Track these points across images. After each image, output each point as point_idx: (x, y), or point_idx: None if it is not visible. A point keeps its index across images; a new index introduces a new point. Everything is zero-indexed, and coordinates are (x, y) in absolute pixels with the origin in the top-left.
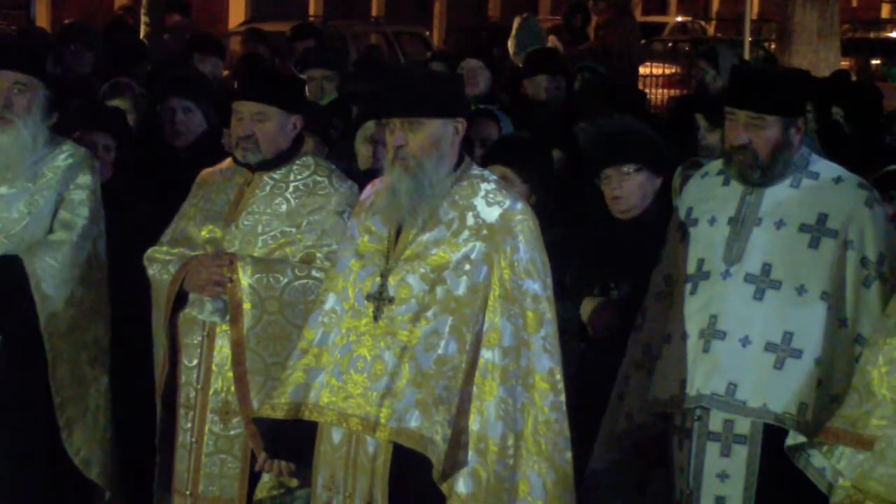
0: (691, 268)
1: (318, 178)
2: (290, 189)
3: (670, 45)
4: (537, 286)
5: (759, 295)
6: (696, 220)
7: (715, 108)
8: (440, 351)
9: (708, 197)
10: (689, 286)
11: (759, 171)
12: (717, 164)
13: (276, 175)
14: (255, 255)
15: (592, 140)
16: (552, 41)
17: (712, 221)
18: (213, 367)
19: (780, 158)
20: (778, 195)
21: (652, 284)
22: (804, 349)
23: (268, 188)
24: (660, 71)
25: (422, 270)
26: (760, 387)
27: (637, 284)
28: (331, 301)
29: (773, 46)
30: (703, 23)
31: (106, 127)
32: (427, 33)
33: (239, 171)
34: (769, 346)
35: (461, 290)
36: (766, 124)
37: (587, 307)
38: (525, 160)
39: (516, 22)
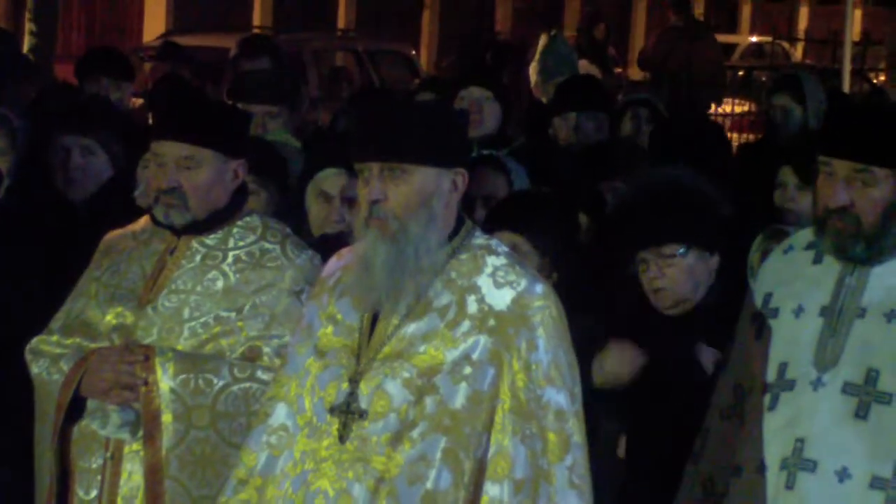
0: (771, 375)
1: (268, 246)
2: (230, 259)
3: (741, 73)
4: (562, 398)
5: (862, 412)
6: (777, 309)
7: (807, 160)
8: (429, 484)
9: (793, 279)
10: (767, 399)
11: (862, 243)
12: (805, 235)
13: (210, 241)
14: (180, 348)
15: (620, 212)
16: (584, 66)
17: (798, 312)
18: (119, 502)
19: (893, 228)
20: (889, 277)
21: (715, 397)
22: None
23: (198, 258)
24: (727, 108)
25: (405, 375)
26: None
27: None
28: (280, 414)
29: (881, 77)
30: (786, 44)
31: None
32: (412, 52)
33: (158, 235)
34: (876, 482)
35: (459, 402)
36: (876, 180)
37: (624, 442)
38: (542, 225)
39: (542, 42)
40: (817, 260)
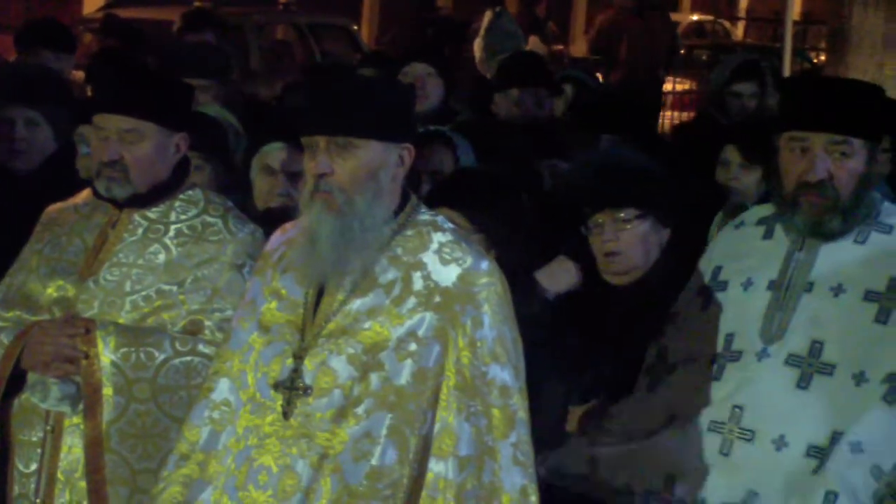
0: (717, 345)
1: (209, 220)
2: (171, 233)
3: (682, 51)
4: (507, 374)
5: (804, 383)
6: (726, 282)
7: (754, 139)
8: (374, 461)
9: (743, 253)
10: (715, 369)
11: (839, 217)
12: (757, 212)
13: (152, 214)
14: (122, 321)
15: (579, 175)
16: (534, 42)
17: (747, 285)
18: (59, 475)
19: (865, 200)
20: (837, 253)
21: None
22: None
23: (140, 231)
24: (668, 87)
25: (350, 351)
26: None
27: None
28: (223, 389)
29: (822, 57)
30: (727, 23)
31: None
32: (354, 27)
33: (100, 208)
34: (812, 450)
35: (404, 379)
36: (853, 151)
37: (573, 417)
38: (481, 202)
39: (486, 18)
40: (767, 235)
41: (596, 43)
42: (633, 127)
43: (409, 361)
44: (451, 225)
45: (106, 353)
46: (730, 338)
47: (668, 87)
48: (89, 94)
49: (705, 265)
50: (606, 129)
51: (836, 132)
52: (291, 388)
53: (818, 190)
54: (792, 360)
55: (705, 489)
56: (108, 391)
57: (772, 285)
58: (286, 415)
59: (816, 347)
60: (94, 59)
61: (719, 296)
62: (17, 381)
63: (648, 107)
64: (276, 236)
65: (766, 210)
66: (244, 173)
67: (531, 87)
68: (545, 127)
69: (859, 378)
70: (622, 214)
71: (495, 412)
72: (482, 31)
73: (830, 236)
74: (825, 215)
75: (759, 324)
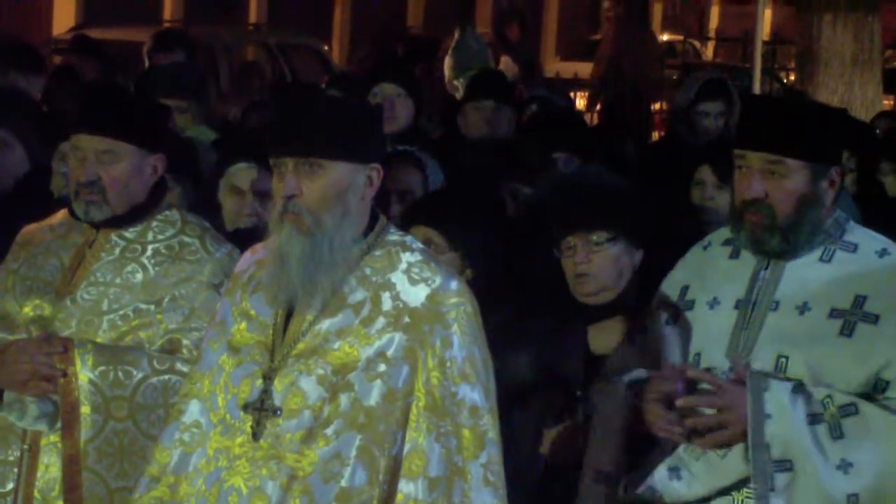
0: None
1: (187, 239)
2: (149, 252)
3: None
4: (477, 394)
5: None
6: (693, 301)
7: (726, 159)
8: (344, 482)
9: (709, 273)
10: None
11: (777, 236)
12: (724, 233)
13: (130, 234)
14: (99, 340)
15: (550, 197)
16: (506, 63)
17: (713, 304)
18: (36, 494)
19: (807, 219)
20: (802, 271)
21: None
22: None
23: (117, 251)
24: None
25: (320, 371)
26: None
27: None
28: (193, 410)
29: (791, 77)
30: (697, 43)
31: None
32: (324, 46)
33: (77, 228)
34: (779, 465)
35: (373, 399)
36: (789, 171)
37: (548, 438)
38: (457, 221)
39: (454, 37)
40: (734, 255)
41: (602, 73)
42: (588, 145)
43: (378, 382)
44: (420, 245)
45: (84, 372)
46: (697, 357)
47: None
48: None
49: (671, 285)
50: (559, 146)
51: (769, 151)
52: (261, 409)
53: (754, 208)
54: None
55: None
56: (85, 409)
57: (738, 304)
58: (256, 436)
59: (782, 362)
60: (50, 80)
61: (687, 315)
62: None
63: (637, 126)
64: (246, 257)
65: (730, 230)
66: (212, 193)
67: (498, 102)
68: (507, 146)
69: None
70: (594, 237)
71: (465, 432)
72: (449, 51)
73: (774, 254)
74: (763, 234)
75: (725, 342)
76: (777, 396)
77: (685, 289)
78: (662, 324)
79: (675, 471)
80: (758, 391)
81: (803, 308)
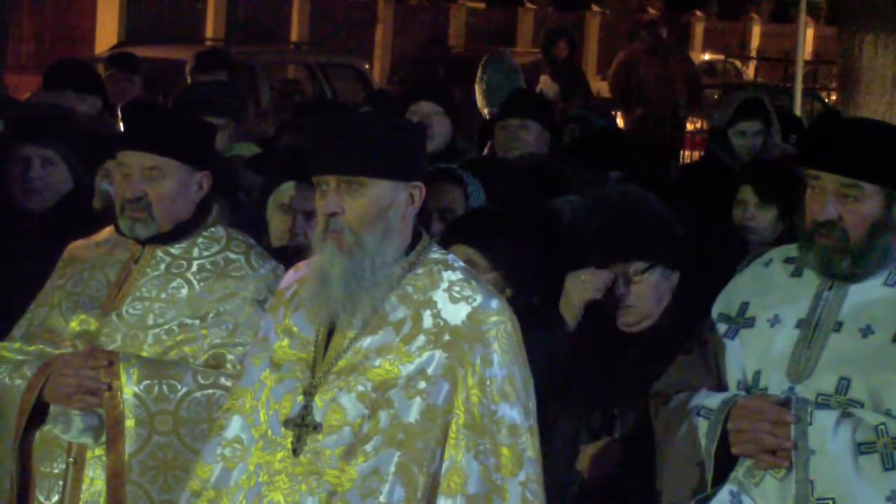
0: (745, 382)
1: (232, 256)
2: (194, 268)
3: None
4: (516, 413)
5: None
6: (753, 318)
7: (767, 178)
8: (382, 499)
9: (771, 290)
10: None
11: (848, 259)
12: (785, 250)
13: (175, 250)
14: (144, 354)
15: (583, 227)
16: (545, 82)
17: (774, 322)
18: None
19: (878, 244)
20: (867, 294)
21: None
22: None
23: (163, 266)
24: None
25: (360, 388)
26: None
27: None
28: (235, 426)
29: (832, 97)
30: (738, 63)
31: None
32: (365, 65)
33: (123, 244)
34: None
35: (413, 417)
36: (864, 195)
37: (585, 455)
38: (497, 240)
39: (485, 60)
40: (796, 273)
41: (615, 82)
42: (631, 165)
43: (418, 399)
44: (461, 264)
45: (128, 386)
46: (756, 375)
47: (689, 126)
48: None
49: (730, 299)
50: (606, 166)
51: (846, 175)
52: (301, 424)
53: (826, 230)
54: (820, 399)
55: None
56: (130, 423)
57: (800, 324)
58: (296, 452)
59: (843, 384)
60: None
61: (744, 333)
62: (38, 414)
63: (666, 147)
64: (289, 275)
65: (793, 250)
66: (259, 211)
67: (531, 120)
68: (549, 165)
69: (887, 415)
70: (630, 269)
71: (504, 451)
72: (479, 75)
73: (843, 277)
74: (834, 256)
75: (785, 362)
76: (821, 432)
77: (745, 304)
78: (721, 338)
79: (735, 495)
80: (802, 426)
81: (866, 331)
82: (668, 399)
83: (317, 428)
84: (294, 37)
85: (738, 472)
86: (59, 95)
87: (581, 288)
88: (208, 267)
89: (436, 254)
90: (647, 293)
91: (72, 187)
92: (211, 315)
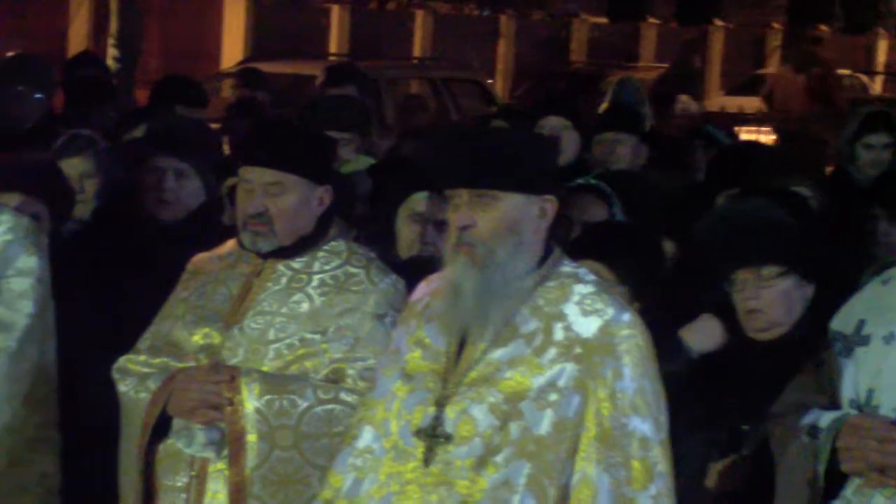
0: (858, 400)
1: (352, 270)
2: (315, 283)
3: None
4: (647, 427)
5: None
6: (869, 336)
7: None
8: None
9: (887, 308)
10: None
11: None
12: None
13: (296, 264)
14: (265, 369)
15: (717, 230)
16: (685, 101)
17: (889, 340)
18: None
19: None
20: None
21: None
22: None
23: (284, 281)
24: None
25: (491, 399)
26: None
27: None
28: (366, 437)
29: None
30: (865, 78)
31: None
32: (489, 81)
33: (244, 258)
34: None
35: (544, 428)
36: None
37: (713, 472)
38: (624, 254)
39: (611, 85)
40: None
41: (769, 100)
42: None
43: (548, 411)
44: (593, 277)
45: (250, 400)
46: (868, 393)
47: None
48: (226, 145)
49: (847, 318)
50: (732, 184)
51: None
52: (433, 435)
53: None
54: None
55: None
56: (251, 438)
57: None
58: (427, 462)
59: None
60: (229, 112)
61: (859, 350)
62: (162, 427)
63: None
64: (422, 287)
65: None
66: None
67: (626, 134)
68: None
69: None
70: (764, 272)
71: (635, 464)
72: (609, 94)
73: None
74: None
75: None
76: None
77: (862, 322)
78: (836, 356)
79: None
80: None
81: None
82: (784, 419)
83: (448, 439)
84: (417, 52)
85: (848, 490)
86: (169, 110)
87: (696, 337)
88: (329, 281)
89: (567, 267)
90: (777, 299)
91: (203, 200)
92: (331, 329)
